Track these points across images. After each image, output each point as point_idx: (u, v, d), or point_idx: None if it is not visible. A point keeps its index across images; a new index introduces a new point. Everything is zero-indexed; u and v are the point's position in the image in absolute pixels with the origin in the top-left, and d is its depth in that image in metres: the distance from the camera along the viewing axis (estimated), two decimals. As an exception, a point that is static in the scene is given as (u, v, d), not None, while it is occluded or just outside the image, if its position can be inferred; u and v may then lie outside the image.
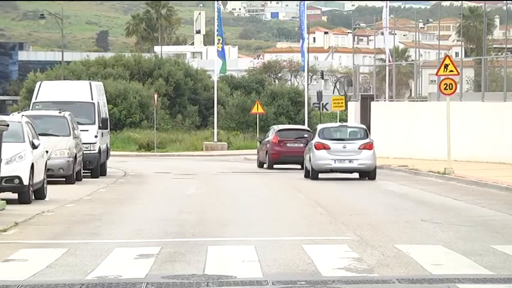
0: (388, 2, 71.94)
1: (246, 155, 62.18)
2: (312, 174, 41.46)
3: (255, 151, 61.52)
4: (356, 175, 42.65)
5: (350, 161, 41.02)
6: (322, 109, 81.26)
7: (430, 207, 22.69)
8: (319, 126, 45.88)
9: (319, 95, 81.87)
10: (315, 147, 41.14)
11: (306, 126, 59.73)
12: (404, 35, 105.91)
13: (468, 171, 32.21)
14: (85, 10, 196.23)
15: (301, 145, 49.99)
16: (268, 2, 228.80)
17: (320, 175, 41.60)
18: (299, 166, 48.81)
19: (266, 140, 54.57)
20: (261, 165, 54.53)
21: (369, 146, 41.54)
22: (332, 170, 41.82)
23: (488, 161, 36.28)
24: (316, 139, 42.29)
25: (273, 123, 72.57)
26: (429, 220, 19.54)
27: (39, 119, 30.47)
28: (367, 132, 44.15)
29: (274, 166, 51.58)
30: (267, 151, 52.64)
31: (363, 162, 40.87)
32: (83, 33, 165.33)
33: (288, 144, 51.66)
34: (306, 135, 52.36)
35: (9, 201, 22.36)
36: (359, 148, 41.20)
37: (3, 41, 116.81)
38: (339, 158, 40.91)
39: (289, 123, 77.32)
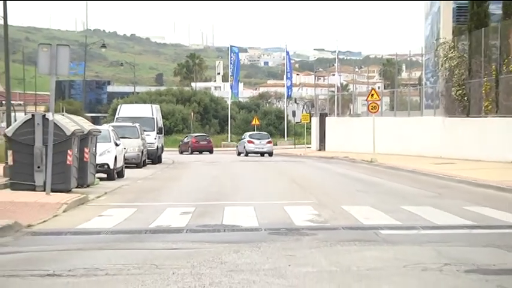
0: (337, 55, 71.83)
1: (252, 156, 62.48)
2: (245, 154, 53.71)
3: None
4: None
5: (262, 148, 54.12)
6: (295, 122, 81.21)
7: (362, 183, 22.76)
8: (247, 133, 59.60)
9: (293, 113, 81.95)
10: (247, 142, 54.72)
11: (207, 134, 71.40)
12: (346, 76, 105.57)
13: (386, 160, 32.22)
14: (148, 60, 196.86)
15: (205, 142, 63.62)
16: (262, 55, 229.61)
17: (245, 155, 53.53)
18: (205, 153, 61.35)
19: (186, 141, 64.62)
20: (181, 152, 63.01)
21: (270, 142, 56.18)
22: (254, 152, 53.42)
23: (399, 154, 36.22)
24: (247, 138, 55.88)
25: (265, 131, 73.21)
26: (362, 191, 19.48)
27: (120, 128, 30.72)
28: (269, 136, 59.22)
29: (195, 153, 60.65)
30: (189, 146, 62.16)
31: (267, 149, 54.23)
32: (147, 74, 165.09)
33: (200, 142, 63.14)
34: (207, 138, 66.06)
35: (101, 179, 22.54)
36: (266, 143, 54.89)
37: (98, 79, 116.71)
38: (258, 147, 54.05)
39: (274, 131, 78.41)
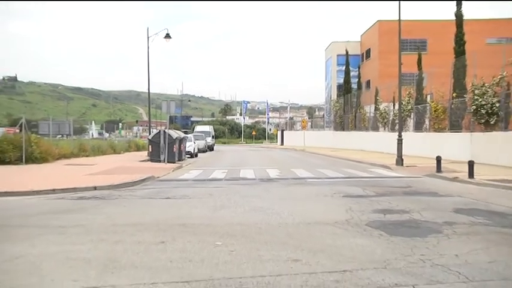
0: (289, 105, 71.54)
1: (251, 146, 61.76)
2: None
3: (254, 145, 60.25)
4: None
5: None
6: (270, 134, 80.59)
7: (298, 159, 22.37)
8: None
9: (270, 129, 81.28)
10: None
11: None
12: (292, 113, 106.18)
13: (311, 150, 31.81)
14: (208, 107, 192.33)
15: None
16: (257, 104, 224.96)
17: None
18: None
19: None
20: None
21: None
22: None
23: (315, 147, 35.93)
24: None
25: (257, 138, 72.22)
26: (299, 163, 18.87)
27: (195, 135, 30.21)
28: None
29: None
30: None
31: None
32: (208, 113, 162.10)
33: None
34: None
35: (188, 158, 21.84)
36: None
37: (186, 115, 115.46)
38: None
39: (261, 137, 76.79)
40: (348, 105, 32.64)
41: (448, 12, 18.86)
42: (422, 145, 18.94)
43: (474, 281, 3.34)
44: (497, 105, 14.41)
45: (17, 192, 8.30)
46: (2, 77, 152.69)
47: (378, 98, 26.91)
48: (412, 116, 21.19)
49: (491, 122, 14.63)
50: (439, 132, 18.17)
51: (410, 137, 19.16)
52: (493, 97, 14.50)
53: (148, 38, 20.65)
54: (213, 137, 40.26)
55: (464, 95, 16.31)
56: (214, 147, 40.16)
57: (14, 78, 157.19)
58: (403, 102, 20.22)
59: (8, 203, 7.40)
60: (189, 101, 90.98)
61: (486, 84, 14.70)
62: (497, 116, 14.48)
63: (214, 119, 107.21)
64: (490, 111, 14.57)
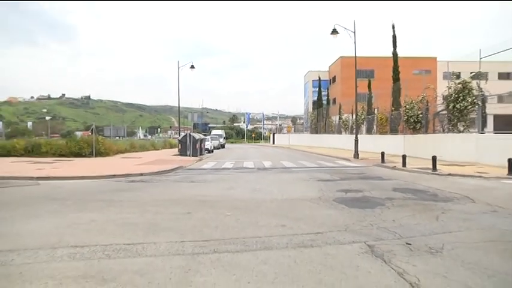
0: (278, 115, 70.95)
1: (251, 145, 60.74)
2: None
3: (253, 144, 57.63)
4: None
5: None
6: (264, 136, 79.42)
7: (285, 155, 22.09)
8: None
9: (265, 133, 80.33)
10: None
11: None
12: (281, 122, 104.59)
13: (294, 148, 31.58)
14: (220, 116, 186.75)
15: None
16: (256, 114, 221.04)
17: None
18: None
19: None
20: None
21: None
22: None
23: (298, 145, 35.74)
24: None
25: (257, 139, 70.82)
26: (286, 157, 18.52)
27: (212, 137, 29.58)
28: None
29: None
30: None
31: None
32: (220, 122, 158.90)
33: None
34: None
35: (207, 153, 20.90)
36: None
37: (205, 122, 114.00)
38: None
39: (258, 138, 74.51)
40: (320, 116, 32.81)
41: (388, 50, 19.70)
42: (372, 144, 19.18)
43: (405, 237, 3.49)
44: (421, 116, 15.03)
45: (88, 176, 8.33)
46: (80, 96, 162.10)
47: (341, 110, 27.28)
48: (364, 123, 21.70)
49: (417, 128, 15.25)
50: (383, 134, 18.64)
51: (363, 138, 19.40)
52: (418, 110, 15.14)
53: (178, 68, 20.73)
54: (224, 138, 39.02)
55: (400, 109, 17.00)
56: (226, 146, 38.76)
57: (88, 97, 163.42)
58: (359, 114, 20.60)
59: (82, 184, 7.43)
60: (207, 112, 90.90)
61: (413, 102, 15.39)
62: (420, 124, 15.09)
63: (225, 125, 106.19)
64: (416, 120, 15.20)
